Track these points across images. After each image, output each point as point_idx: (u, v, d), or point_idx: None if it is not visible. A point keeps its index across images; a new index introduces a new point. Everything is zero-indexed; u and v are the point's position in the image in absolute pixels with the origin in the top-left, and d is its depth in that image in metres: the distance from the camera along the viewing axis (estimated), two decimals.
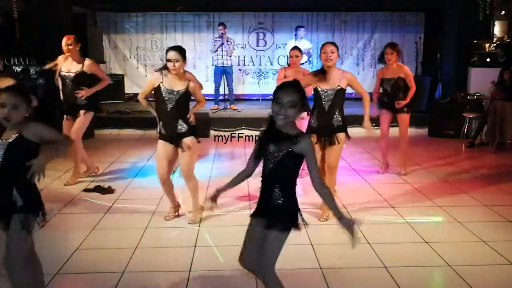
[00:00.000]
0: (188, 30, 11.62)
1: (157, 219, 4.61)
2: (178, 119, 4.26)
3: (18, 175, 2.61)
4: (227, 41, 9.75)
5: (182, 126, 4.26)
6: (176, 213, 4.61)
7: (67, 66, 5.60)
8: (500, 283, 3.45)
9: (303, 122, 5.45)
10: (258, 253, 2.65)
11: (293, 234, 4.21)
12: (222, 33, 9.70)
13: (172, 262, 3.80)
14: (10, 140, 2.57)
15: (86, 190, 5.49)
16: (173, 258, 3.88)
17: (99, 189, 5.45)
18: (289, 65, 5.97)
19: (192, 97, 4.40)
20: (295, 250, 3.92)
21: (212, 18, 11.48)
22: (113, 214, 4.77)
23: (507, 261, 3.71)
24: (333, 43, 4.47)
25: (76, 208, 4.97)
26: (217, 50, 9.77)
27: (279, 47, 11.57)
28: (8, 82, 4.66)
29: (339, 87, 4.40)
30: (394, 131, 8.80)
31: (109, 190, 5.43)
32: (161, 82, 4.20)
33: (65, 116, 5.71)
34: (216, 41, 9.82)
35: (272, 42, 11.72)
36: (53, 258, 3.75)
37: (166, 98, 4.20)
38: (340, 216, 2.54)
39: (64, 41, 5.55)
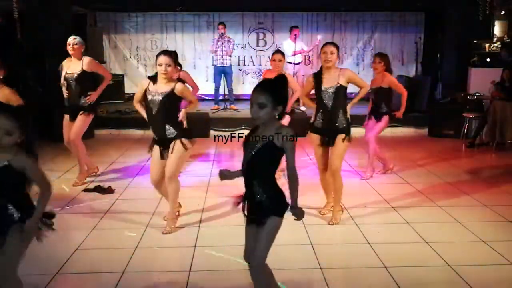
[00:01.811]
0: (188, 30, 11.62)
1: (157, 219, 4.61)
2: (165, 123, 4.17)
3: (11, 194, 2.63)
4: (227, 41, 9.75)
5: (170, 131, 4.18)
6: (177, 213, 4.60)
7: (70, 68, 5.60)
8: (500, 283, 3.45)
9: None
10: (252, 246, 2.71)
11: (293, 234, 4.23)
12: (222, 33, 9.70)
13: (172, 262, 3.81)
14: (1, 166, 2.53)
15: (86, 190, 5.50)
16: (173, 258, 3.88)
17: (99, 189, 5.45)
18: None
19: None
20: (295, 250, 3.93)
21: (212, 18, 11.48)
22: (113, 214, 4.77)
23: (507, 261, 3.71)
24: (334, 44, 4.47)
25: (76, 208, 4.97)
26: (216, 50, 9.76)
27: (279, 47, 11.55)
28: (3, 92, 4.62)
29: (339, 84, 4.38)
30: (393, 131, 8.85)
31: (109, 190, 5.43)
32: (148, 86, 4.17)
33: (67, 116, 5.71)
34: (215, 41, 9.81)
35: (272, 42, 11.72)
36: (53, 258, 3.76)
37: (150, 101, 4.14)
38: (293, 205, 2.68)
39: (70, 40, 5.54)
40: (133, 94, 11.90)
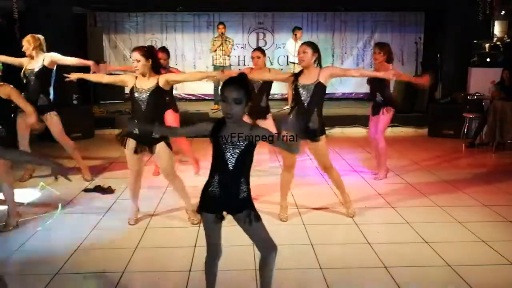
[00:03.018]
0: (188, 30, 11.63)
1: (157, 219, 4.61)
2: (154, 121, 4.14)
3: None
4: (226, 40, 9.76)
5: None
6: (138, 216, 4.60)
7: (31, 64, 5.55)
8: (500, 283, 3.45)
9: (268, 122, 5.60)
10: (258, 244, 2.77)
11: (293, 234, 4.24)
12: (221, 33, 9.71)
13: (172, 262, 3.80)
14: None
15: (86, 190, 5.49)
16: (173, 258, 3.88)
17: (99, 189, 5.45)
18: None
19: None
20: (295, 250, 3.93)
21: (212, 18, 11.49)
22: (113, 214, 4.77)
23: (507, 261, 3.71)
24: (308, 43, 4.36)
25: (76, 208, 4.98)
26: (216, 50, 9.78)
27: (279, 47, 11.58)
28: (5, 89, 4.63)
29: (318, 81, 4.28)
30: (393, 131, 8.85)
31: (109, 190, 5.43)
32: (135, 83, 4.19)
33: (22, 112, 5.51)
34: (215, 40, 9.84)
35: (272, 42, 11.72)
36: (53, 258, 3.77)
37: (138, 98, 4.16)
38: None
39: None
40: None
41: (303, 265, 3.66)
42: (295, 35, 10.13)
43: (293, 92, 4.47)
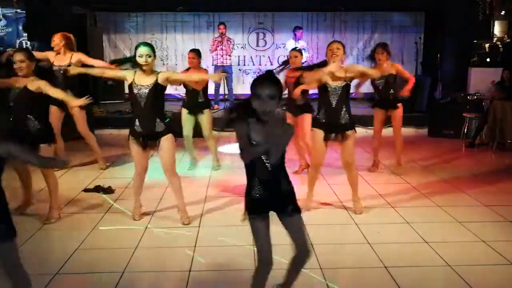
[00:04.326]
0: (188, 30, 11.63)
1: (157, 219, 4.61)
2: (155, 117, 4.20)
3: None
4: (227, 40, 9.77)
5: (159, 125, 4.22)
6: (142, 212, 4.67)
7: (59, 61, 6.00)
8: (500, 283, 3.45)
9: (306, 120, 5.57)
10: (297, 240, 2.76)
11: None
12: (222, 33, 9.72)
13: (172, 262, 3.80)
14: None
15: (86, 190, 5.49)
16: (173, 258, 3.88)
17: (99, 189, 5.45)
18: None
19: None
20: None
21: (212, 18, 11.49)
22: (113, 214, 4.77)
23: (507, 261, 3.71)
24: (341, 42, 4.61)
25: (76, 208, 4.97)
26: (216, 50, 9.79)
27: (279, 47, 11.58)
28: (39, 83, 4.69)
29: (345, 82, 4.50)
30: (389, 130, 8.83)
31: (109, 190, 5.43)
32: (133, 79, 4.19)
33: None
34: (215, 40, 9.85)
35: (272, 42, 11.72)
36: (53, 258, 3.77)
37: (138, 95, 4.16)
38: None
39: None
40: None
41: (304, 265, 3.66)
42: (295, 34, 10.17)
43: (320, 90, 4.58)
